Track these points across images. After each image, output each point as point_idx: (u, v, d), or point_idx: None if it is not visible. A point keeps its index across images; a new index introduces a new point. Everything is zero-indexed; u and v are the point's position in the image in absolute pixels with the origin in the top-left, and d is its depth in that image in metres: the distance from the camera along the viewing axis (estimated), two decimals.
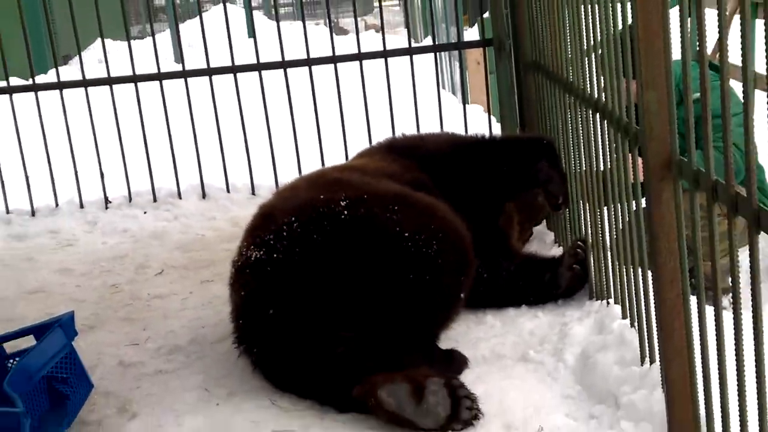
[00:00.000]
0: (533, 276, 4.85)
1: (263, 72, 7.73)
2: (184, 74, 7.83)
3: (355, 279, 4.07)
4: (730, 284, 2.68)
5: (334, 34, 7.89)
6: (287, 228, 4.22)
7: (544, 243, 5.63)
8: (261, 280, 4.19)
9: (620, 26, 3.69)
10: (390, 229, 4.16)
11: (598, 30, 4.01)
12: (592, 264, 4.61)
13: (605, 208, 4.32)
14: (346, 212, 4.21)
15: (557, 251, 5.30)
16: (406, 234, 4.14)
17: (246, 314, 4.25)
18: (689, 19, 3.20)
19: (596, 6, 4.01)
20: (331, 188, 4.45)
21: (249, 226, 4.56)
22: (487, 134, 5.78)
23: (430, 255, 4.14)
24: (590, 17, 4.14)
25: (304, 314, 4.04)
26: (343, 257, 4.11)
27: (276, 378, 4.14)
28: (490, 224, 5.09)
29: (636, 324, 3.84)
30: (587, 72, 4.33)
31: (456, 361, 4.21)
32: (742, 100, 2.48)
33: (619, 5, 3.67)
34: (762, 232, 2.42)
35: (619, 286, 4.18)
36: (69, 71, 9.86)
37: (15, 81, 8.38)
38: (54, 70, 8.41)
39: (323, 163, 7.20)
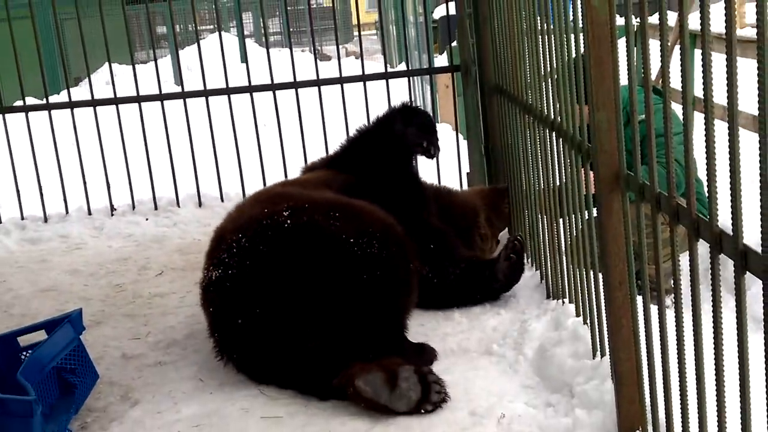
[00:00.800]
0: (475, 274, 4.85)
1: (254, 93, 7.72)
2: (183, 95, 7.81)
3: (306, 283, 4.00)
4: (673, 285, 2.68)
5: (318, 60, 7.88)
6: (236, 245, 4.18)
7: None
8: (223, 296, 4.16)
9: (574, 54, 3.70)
10: (331, 232, 4.11)
11: (555, 58, 4.01)
12: (548, 266, 4.62)
13: (561, 217, 4.33)
14: (288, 221, 4.15)
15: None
16: (346, 235, 4.09)
17: (218, 329, 4.23)
18: (635, 48, 3.21)
19: (552, 37, 4.02)
20: (273, 201, 4.40)
21: (207, 249, 4.50)
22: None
23: (374, 251, 4.09)
24: (547, 46, 4.15)
25: (269, 322, 3.99)
26: (291, 264, 4.04)
27: (260, 379, 4.11)
28: (421, 217, 5.02)
29: (588, 321, 3.84)
30: (545, 95, 4.34)
31: (427, 353, 4.20)
32: (683, 121, 2.49)
33: (572, 36, 3.68)
34: (701, 239, 2.42)
35: (573, 287, 4.19)
36: (79, 92, 9.80)
37: (30, 100, 8.32)
38: (66, 90, 8.38)
39: None
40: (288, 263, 4.04)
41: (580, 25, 3.46)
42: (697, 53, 2.44)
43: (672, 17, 8.09)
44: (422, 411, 3.62)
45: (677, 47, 2.80)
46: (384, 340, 4.04)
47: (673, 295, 2.71)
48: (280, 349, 3.98)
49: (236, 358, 4.17)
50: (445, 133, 8.96)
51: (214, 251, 4.34)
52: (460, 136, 7.82)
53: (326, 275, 4.02)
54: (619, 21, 3.20)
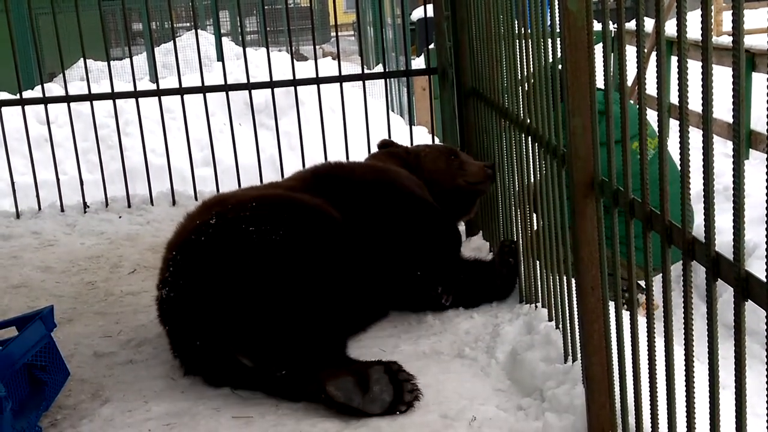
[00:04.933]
0: (476, 279, 4.80)
1: (230, 92, 7.71)
2: (158, 93, 7.79)
3: (237, 295, 3.90)
4: (643, 291, 2.70)
5: (294, 60, 7.88)
6: (172, 263, 4.19)
7: (479, 251, 5.64)
8: (170, 317, 4.19)
9: (551, 60, 3.71)
10: (250, 241, 4.01)
11: (532, 62, 4.03)
12: (522, 272, 4.64)
13: (535, 221, 4.34)
14: (211, 232, 4.10)
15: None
16: (266, 242, 4.00)
17: (177, 349, 4.24)
18: (612, 54, 3.23)
19: (529, 41, 4.03)
20: (208, 210, 4.36)
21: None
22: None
23: (291, 259, 3.99)
24: (524, 51, 4.16)
25: (211, 337, 3.95)
26: (217, 278, 3.96)
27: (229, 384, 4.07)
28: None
29: (560, 326, 3.86)
30: (521, 99, 4.35)
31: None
32: (657, 127, 2.50)
33: (549, 41, 3.69)
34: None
35: (546, 292, 4.20)
36: (53, 88, 9.75)
37: (3, 95, 8.28)
38: (40, 86, 8.34)
39: (282, 174, 7.20)
40: (213, 278, 3.97)
41: (558, 30, 3.48)
42: (673, 59, 2.45)
43: (649, 23, 8.13)
44: (397, 412, 3.63)
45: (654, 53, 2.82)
46: (317, 351, 3.86)
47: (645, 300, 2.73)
48: (231, 364, 3.94)
49: (202, 373, 4.14)
50: (421, 135, 8.98)
51: (161, 271, 4.34)
52: (437, 139, 7.85)
53: (244, 286, 3.91)
54: (597, 26, 3.22)
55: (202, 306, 3.96)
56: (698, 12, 2.10)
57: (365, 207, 4.63)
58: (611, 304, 3.11)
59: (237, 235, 4.06)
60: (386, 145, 5.66)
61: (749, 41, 9.52)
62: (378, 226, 4.60)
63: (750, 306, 2.03)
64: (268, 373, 3.83)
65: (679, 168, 2.32)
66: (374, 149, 6.03)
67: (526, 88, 4.23)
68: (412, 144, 7.40)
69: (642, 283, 4.48)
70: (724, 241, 2.23)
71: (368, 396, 3.61)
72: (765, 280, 1.93)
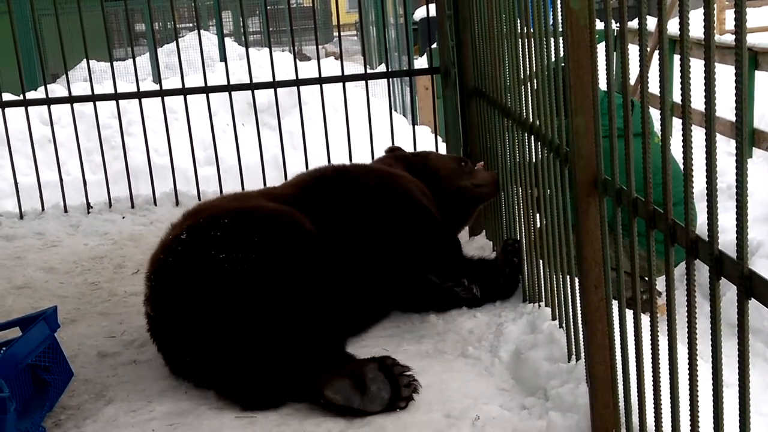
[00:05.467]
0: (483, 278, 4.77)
1: (233, 93, 7.71)
2: (161, 93, 7.79)
3: (210, 318, 3.88)
4: (647, 292, 2.69)
5: (297, 60, 7.88)
6: (148, 280, 4.21)
7: (483, 251, 5.64)
8: (156, 335, 4.23)
9: (554, 59, 3.71)
10: (219, 256, 3.96)
11: (534, 61, 4.02)
12: (525, 271, 4.64)
13: (538, 220, 4.34)
14: (180, 248, 4.09)
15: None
16: (236, 253, 3.96)
17: (169, 363, 4.24)
18: (614, 53, 3.22)
19: (532, 40, 4.03)
20: (185, 221, 4.36)
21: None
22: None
23: (266, 268, 3.95)
24: (526, 50, 4.16)
25: (201, 359, 3.95)
26: (187, 294, 3.95)
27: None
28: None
29: (564, 325, 3.86)
30: (524, 99, 4.34)
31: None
32: (660, 126, 2.50)
33: (552, 40, 3.69)
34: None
35: (549, 291, 4.20)
36: (57, 88, 9.77)
37: (6, 96, 8.29)
38: (43, 87, 8.35)
39: (285, 174, 7.20)
40: (184, 294, 3.97)
41: (560, 29, 3.48)
42: (676, 58, 2.45)
43: (652, 22, 8.12)
44: (397, 408, 3.64)
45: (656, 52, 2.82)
46: (306, 361, 3.83)
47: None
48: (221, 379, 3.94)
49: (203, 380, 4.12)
50: (423, 135, 8.99)
51: (144, 284, 4.33)
52: (439, 139, 7.84)
53: (216, 308, 3.88)
54: (599, 25, 3.21)
55: (180, 328, 3.98)
56: (701, 10, 2.10)
57: (366, 210, 4.60)
58: (614, 303, 3.11)
59: (202, 253, 4.01)
60: (393, 152, 5.62)
61: (752, 39, 9.53)
62: (377, 228, 4.57)
63: (755, 305, 2.03)
64: (260, 387, 3.83)
65: (682, 167, 2.32)
66: (378, 151, 6.03)
67: (529, 87, 4.23)
68: (415, 144, 7.41)
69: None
70: (727, 240, 2.23)
71: (367, 396, 3.62)
72: None
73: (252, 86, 7.66)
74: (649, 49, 2.58)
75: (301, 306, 3.94)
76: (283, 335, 3.83)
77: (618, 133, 2.88)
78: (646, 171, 2.58)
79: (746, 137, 1.98)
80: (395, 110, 11.23)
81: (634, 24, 9.40)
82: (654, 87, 3.49)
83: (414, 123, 8.05)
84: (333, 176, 4.84)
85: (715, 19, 2.11)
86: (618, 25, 2.76)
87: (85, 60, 7.64)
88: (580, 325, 3.49)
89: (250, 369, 3.81)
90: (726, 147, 8.92)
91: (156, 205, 7.88)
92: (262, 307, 3.87)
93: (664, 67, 2.44)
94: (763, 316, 5.21)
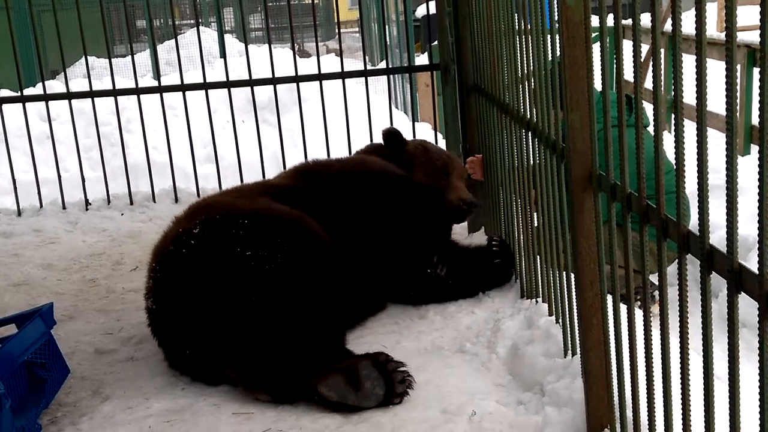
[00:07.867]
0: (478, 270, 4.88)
1: (232, 89, 7.73)
2: (160, 90, 7.82)
3: (219, 310, 3.93)
4: (638, 287, 2.71)
5: (297, 57, 7.90)
6: (154, 274, 4.23)
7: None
8: (157, 329, 4.27)
9: (550, 57, 3.73)
10: (233, 251, 4.01)
11: (532, 58, 4.04)
12: (523, 267, 4.66)
13: (535, 216, 4.37)
14: (193, 242, 4.11)
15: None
16: (250, 251, 4.00)
17: (169, 358, 4.29)
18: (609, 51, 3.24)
19: (529, 38, 4.05)
20: (193, 216, 4.38)
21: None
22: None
23: (276, 266, 3.99)
24: (524, 48, 4.18)
25: (203, 352, 4.00)
26: (201, 287, 3.98)
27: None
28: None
29: (560, 320, 3.88)
30: (521, 95, 4.36)
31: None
32: (652, 120, 2.52)
33: (548, 38, 3.71)
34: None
35: (546, 287, 4.22)
36: (55, 85, 9.79)
37: (5, 92, 8.31)
38: (41, 83, 8.38)
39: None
40: (196, 287, 4.00)
41: (557, 26, 3.49)
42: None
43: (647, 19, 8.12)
44: (391, 405, 3.67)
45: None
46: (303, 357, 3.86)
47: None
48: (221, 374, 4.01)
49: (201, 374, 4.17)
50: (424, 131, 9.01)
51: (147, 277, 4.37)
52: (439, 135, 7.86)
53: (225, 300, 3.93)
54: (595, 22, 3.23)
55: (185, 320, 4.01)
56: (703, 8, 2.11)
57: (347, 195, 4.71)
58: (609, 298, 3.13)
59: (218, 249, 4.06)
60: (391, 133, 5.63)
61: (751, 37, 9.51)
62: (361, 211, 4.67)
63: (748, 300, 2.05)
64: (258, 385, 3.87)
65: (674, 162, 2.34)
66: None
67: (526, 84, 4.26)
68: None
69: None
70: (722, 236, 2.25)
71: (361, 393, 3.65)
72: (757, 272, 1.94)
73: (251, 83, 7.68)
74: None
75: (312, 306, 3.99)
76: (292, 332, 3.88)
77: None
78: (640, 167, 2.59)
79: (736, 132, 2.00)
80: (396, 107, 11.26)
81: (645, 20, 9.38)
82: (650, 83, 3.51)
83: (414, 119, 8.08)
84: (316, 170, 4.95)
85: (716, 16, 2.13)
86: (614, 21, 2.77)
87: (84, 56, 7.67)
88: (576, 321, 3.51)
89: (257, 361, 3.85)
90: (722, 143, 8.89)
91: (155, 201, 7.91)
92: (274, 302, 3.92)
93: (657, 64, 2.46)
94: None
